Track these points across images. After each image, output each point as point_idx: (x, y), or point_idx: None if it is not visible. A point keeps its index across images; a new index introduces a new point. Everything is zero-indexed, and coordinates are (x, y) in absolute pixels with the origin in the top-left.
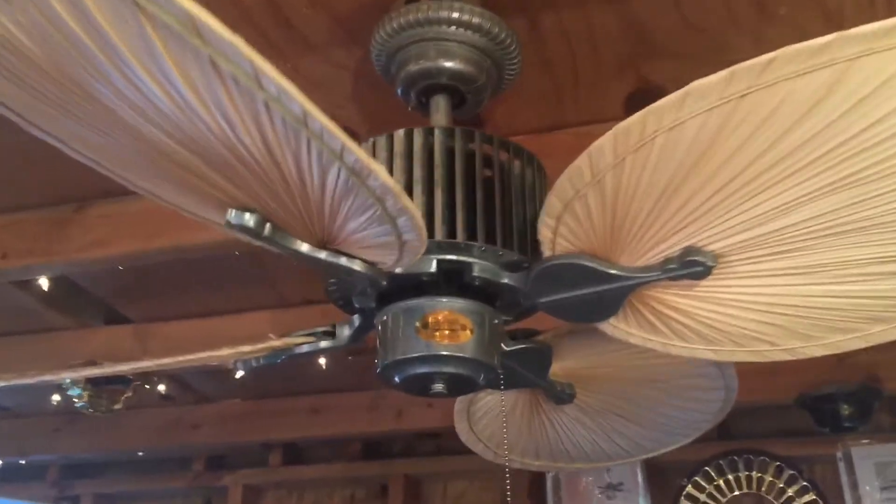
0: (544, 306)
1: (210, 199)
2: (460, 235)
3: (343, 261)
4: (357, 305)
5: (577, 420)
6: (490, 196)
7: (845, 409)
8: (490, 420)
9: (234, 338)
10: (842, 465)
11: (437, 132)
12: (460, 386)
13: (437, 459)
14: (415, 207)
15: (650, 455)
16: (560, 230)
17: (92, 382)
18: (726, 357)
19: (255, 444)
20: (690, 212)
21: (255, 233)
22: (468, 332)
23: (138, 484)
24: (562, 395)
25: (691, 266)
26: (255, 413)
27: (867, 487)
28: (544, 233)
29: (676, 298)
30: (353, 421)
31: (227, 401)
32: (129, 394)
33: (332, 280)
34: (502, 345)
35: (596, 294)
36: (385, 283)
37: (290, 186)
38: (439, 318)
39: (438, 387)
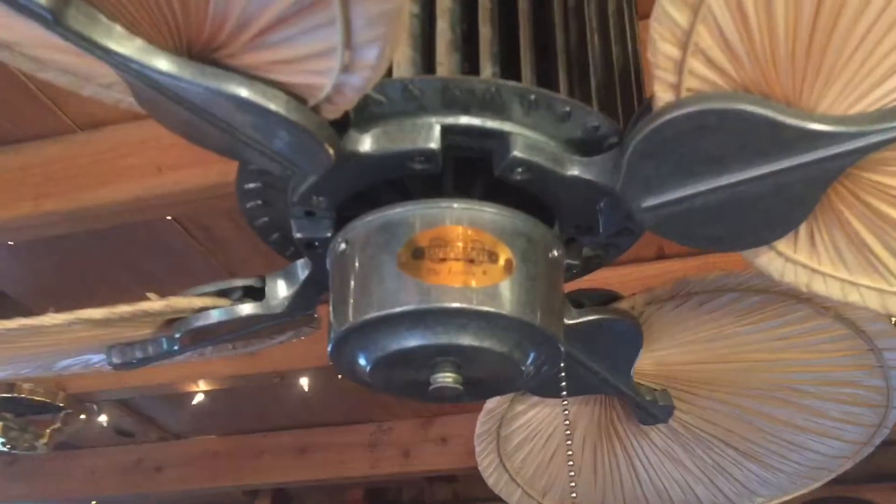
0: (660, 216)
1: None
2: (487, 69)
3: (233, 86)
4: (300, 234)
5: (666, 452)
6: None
7: None
8: (533, 450)
9: None
10: None
11: None
12: (488, 378)
13: None
14: None
15: None
16: (689, 63)
17: (11, 411)
18: None
19: (234, 490)
20: None
21: (51, 12)
22: (503, 268)
23: None
24: (651, 409)
25: None
26: (232, 452)
27: None
28: (662, 67)
29: None
30: (350, 462)
31: (197, 437)
32: (58, 425)
33: (249, 176)
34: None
35: (773, 181)
36: (334, 160)
37: None
38: (447, 237)
39: (445, 378)
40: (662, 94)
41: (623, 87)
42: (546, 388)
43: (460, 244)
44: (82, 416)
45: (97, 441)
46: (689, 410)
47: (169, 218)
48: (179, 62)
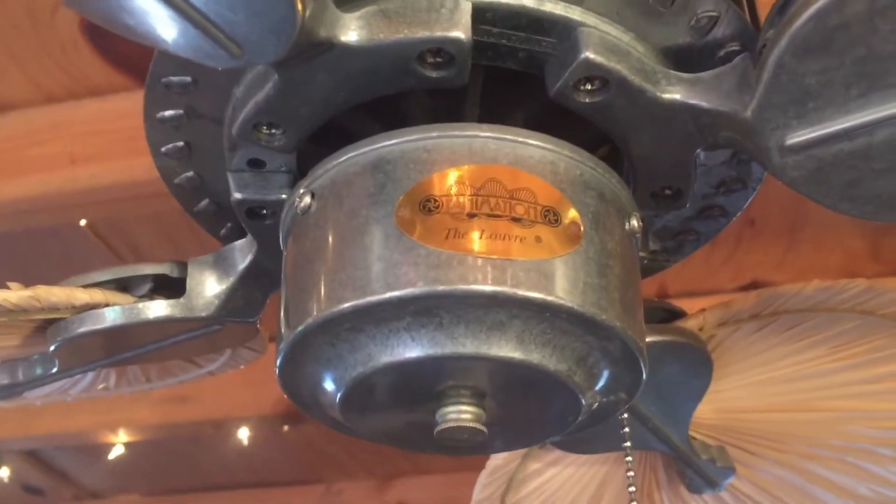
0: (814, 159)
1: None
2: None
3: None
4: (240, 194)
5: None
6: None
7: None
8: None
9: None
10: None
11: None
12: (525, 415)
13: None
14: None
15: None
16: None
17: None
18: None
19: None
20: None
21: None
22: (567, 233)
23: None
24: (707, 472)
25: None
26: None
27: None
28: None
29: None
30: None
31: (118, 497)
32: None
33: (164, 96)
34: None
35: None
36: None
37: None
38: (477, 182)
39: (461, 414)
40: None
41: None
42: (577, 439)
43: (499, 193)
44: None
45: None
46: (745, 475)
47: (83, 223)
48: None
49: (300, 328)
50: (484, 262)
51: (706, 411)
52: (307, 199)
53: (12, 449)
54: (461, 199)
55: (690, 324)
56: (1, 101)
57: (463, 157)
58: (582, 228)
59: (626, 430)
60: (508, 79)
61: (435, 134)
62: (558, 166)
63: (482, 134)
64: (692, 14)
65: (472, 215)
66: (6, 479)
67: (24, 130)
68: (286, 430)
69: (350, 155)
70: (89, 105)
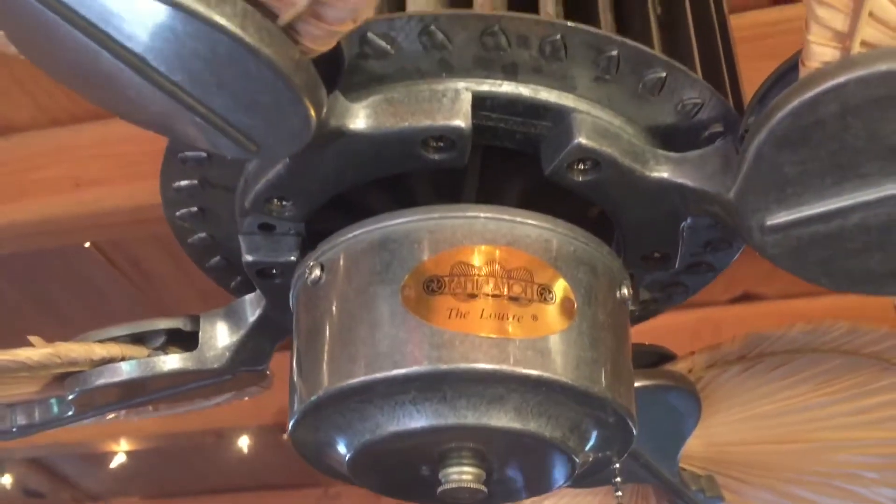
0: (792, 239)
1: None
2: (549, 5)
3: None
4: (251, 256)
5: None
6: None
7: None
8: None
9: None
10: None
11: None
12: (523, 474)
13: None
14: None
15: None
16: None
17: None
18: None
19: None
20: None
21: None
22: (561, 310)
23: None
24: (695, 501)
25: None
26: None
27: None
28: (828, 3)
29: None
30: None
31: (118, 500)
32: None
33: (180, 169)
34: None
35: None
36: (314, 132)
37: None
38: (477, 263)
39: (463, 475)
40: (820, 49)
41: (726, 55)
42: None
43: (498, 273)
44: None
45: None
46: (733, 501)
47: (87, 245)
48: None
49: (313, 398)
50: (484, 341)
51: (695, 445)
52: (317, 272)
53: (14, 458)
54: (463, 279)
55: (680, 366)
56: (5, 124)
57: (464, 238)
58: (575, 305)
59: (617, 465)
60: (507, 154)
61: (437, 215)
62: (552, 244)
63: (482, 215)
64: (678, 100)
65: (472, 296)
66: (8, 487)
67: (28, 154)
68: (286, 438)
69: (357, 232)
70: (93, 129)
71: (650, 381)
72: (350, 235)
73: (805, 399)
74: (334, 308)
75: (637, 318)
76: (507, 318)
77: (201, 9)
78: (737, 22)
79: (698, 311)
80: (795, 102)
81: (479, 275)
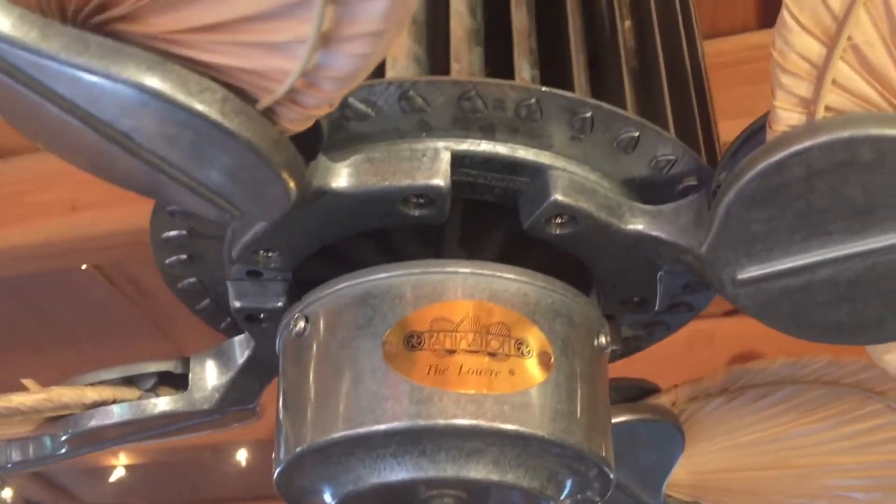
0: (763, 292)
1: None
2: (524, 70)
3: (133, 69)
4: (239, 303)
5: None
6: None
7: None
8: None
9: None
10: None
11: None
12: None
13: None
14: None
15: None
16: (837, 68)
17: None
18: None
19: None
20: None
21: None
22: (538, 364)
23: None
24: None
25: None
26: None
27: None
28: (792, 71)
29: None
30: None
31: None
32: None
33: (168, 221)
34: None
35: None
36: (295, 199)
37: None
38: (456, 318)
39: None
40: (786, 114)
41: (700, 109)
42: None
43: (476, 329)
44: None
45: None
46: None
47: (84, 267)
48: (42, 26)
49: (297, 450)
50: (461, 397)
51: (681, 473)
52: (301, 324)
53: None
54: (441, 335)
55: (663, 399)
56: (2, 147)
57: (444, 293)
58: (552, 358)
59: None
60: (488, 205)
61: (418, 270)
62: (530, 297)
63: (461, 270)
64: (651, 157)
65: (450, 351)
66: (9, 500)
67: (25, 177)
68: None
69: (341, 286)
70: None
71: (634, 415)
72: (334, 289)
73: (789, 427)
74: (318, 361)
75: (620, 356)
76: (485, 374)
77: (181, 98)
78: (724, 45)
79: (692, 323)
80: (762, 165)
81: (457, 330)
